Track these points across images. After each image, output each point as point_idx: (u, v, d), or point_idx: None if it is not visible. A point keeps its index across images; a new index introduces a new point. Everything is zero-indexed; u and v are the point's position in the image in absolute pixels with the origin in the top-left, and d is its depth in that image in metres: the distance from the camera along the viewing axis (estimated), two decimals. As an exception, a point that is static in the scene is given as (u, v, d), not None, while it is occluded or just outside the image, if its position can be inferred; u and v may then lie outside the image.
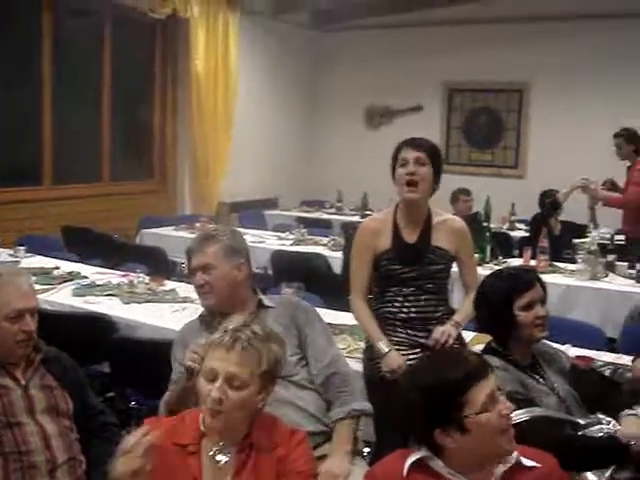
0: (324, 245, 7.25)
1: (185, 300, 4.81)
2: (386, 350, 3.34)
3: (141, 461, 1.96)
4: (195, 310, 4.43)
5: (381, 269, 3.47)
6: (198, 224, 7.92)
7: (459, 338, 3.55)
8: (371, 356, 3.48)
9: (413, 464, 2.06)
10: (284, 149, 11.12)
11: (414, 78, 10.84)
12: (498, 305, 2.93)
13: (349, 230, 6.36)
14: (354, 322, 4.22)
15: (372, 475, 2.13)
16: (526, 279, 2.98)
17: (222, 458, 2.19)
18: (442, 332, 3.35)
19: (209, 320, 3.02)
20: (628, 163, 7.19)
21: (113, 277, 5.43)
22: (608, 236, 6.88)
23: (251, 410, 2.21)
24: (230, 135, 9.77)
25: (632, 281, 5.83)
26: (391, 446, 2.24)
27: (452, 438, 2.01)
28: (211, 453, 2.20)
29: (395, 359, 3.31)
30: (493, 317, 2.98)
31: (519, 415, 2.58)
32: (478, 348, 3.22)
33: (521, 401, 2.65)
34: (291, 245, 7.36)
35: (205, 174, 9.66)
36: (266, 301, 3.09)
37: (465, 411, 2.00)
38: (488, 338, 3.05)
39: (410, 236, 3.48)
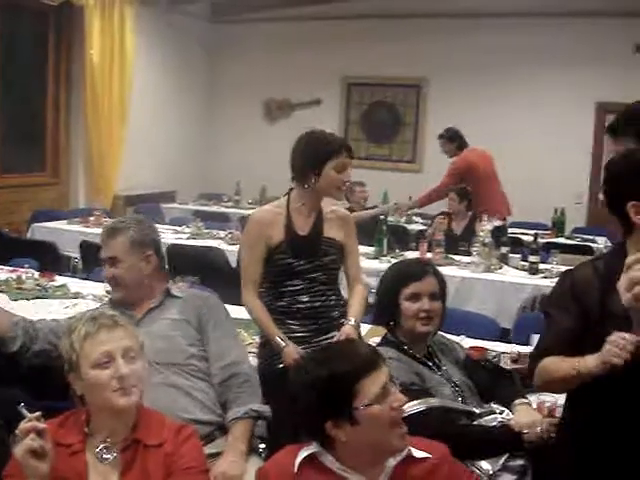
0: (221, 239, 7.18)
1: (76, 296, 4.70)
2: (283, 345, 3.30)
3: (40, 442, 1.95)
4: (86, 305, 4.34)
5: (273, 263, 3.41)
6: (92, 218, 7.74)
7: None
8: (267, 350, 3.45)
9: (304, 459, 2.04)
10: (182, 142, 10.97)
11: (313, 72, 10.84)
12: (386, 293, 2.97)
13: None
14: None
15: (264, 472, 2.10)
16: (416, 270, 3.00)
17: (108, 456, 2.14)
18: (346, 335, 3.30)
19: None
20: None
21: (1, 273, 5.24)
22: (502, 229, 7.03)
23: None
24: (126, 127, 9.58)
25: (525, 272, 5.96)
26: (285, 442, 2.21)
27: (343, 431, 2.00)
28: (97, 450, 2.15)
29: (292, 353, 3.27)
30: (381, 305, 3.02)
31: (415, 406, 2.59)
32: (374, 341, 3.22)
33: (416, 391, 2.67)
34: (187, 239, 7.26)
35: (100, 167, 9.45)
36: (175, 291, 3.07)
37: (356, 403, 1.99)
38: (383, 331, 3.05)
39: (302, 228, 3.44)
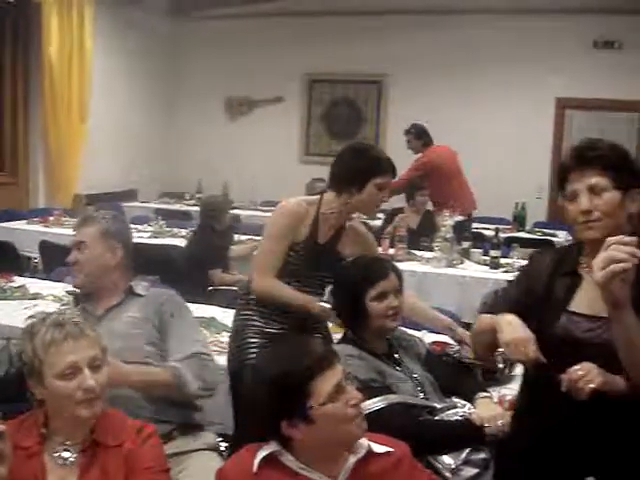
0: (183, 237, 7.14)
1: (36, 296, 4.64)
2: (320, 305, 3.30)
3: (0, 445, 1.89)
4: (46, 306, 4.28)
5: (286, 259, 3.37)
6: (52, 217, 7.66)
7: (327, 329, 3.56)
8: (236, 344, 3.42)
9: (264, 459, 2.02)
10: (143, 140, 10.89)
11: (274, 68, 10.80)
12: (351, 295, 2.94)
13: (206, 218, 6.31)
14: (211, 315, 4.18)
15: (223, 473, 2.07)
16: (379, 269, 3.00)
17: (67, 458, 2.11)
18: None
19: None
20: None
21: (-42, 274, 5.15)
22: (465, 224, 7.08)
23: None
24: (86, 125, 9.47)
25: (486, 267, 6.00)
26: (252, 440, 2.18)
27: (299, 430, 1.99)
28: (56, 454, 2.12)
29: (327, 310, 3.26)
30: (346, 306, 2.99)
31: (375, 403, 2.59)
32: (337, 337, 3.22)
33: (377, 389, 2.68)
34: (149, 237, 7.22)
35: (59, 166, 9.34)
36: (138, 289, 3.06)
37: (310, 402, 1.98)
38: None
39: (324, 236, 3.40)
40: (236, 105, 11.49)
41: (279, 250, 3.32)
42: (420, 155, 7.91)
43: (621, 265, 1.79)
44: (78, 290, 3.13)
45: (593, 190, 2.20)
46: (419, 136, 8.00)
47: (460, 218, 7.35)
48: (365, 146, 3.47)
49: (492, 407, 2.75)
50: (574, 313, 2.25)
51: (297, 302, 3.35)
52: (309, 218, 3.36)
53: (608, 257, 1.80)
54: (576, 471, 2.25)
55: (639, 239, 1.93)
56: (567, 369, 2.11)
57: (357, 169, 3.29)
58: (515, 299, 2.40)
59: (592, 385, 2.06)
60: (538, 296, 2.34)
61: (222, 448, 2.97)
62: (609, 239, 1.85)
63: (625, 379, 2.04)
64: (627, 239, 1.82)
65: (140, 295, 3.04)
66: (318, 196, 3.44)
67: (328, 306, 3.25)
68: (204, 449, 2.85)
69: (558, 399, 2.17)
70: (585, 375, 2.08)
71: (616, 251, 1.80)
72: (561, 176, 2.29)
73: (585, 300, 2.23)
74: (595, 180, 2.19)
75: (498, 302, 2.50)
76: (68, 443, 2.12)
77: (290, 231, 3.32)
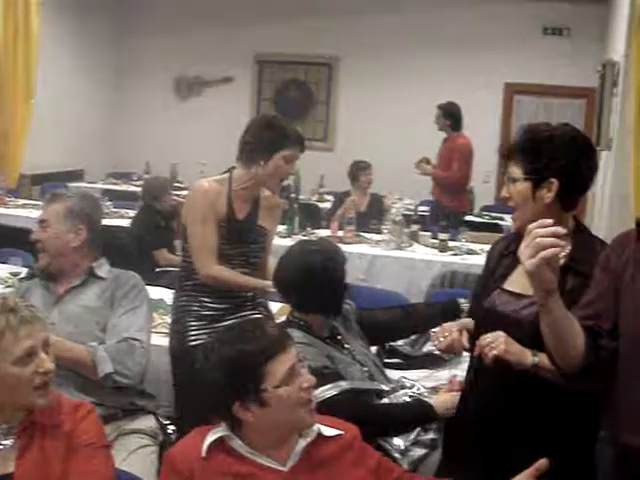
0: (130, 218, 7.03)
1: (-25, 282, 4.53)
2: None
3: None
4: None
5: None
6: (-5, 198, 7.51)
7: (267, 309, 3.55)
8: (178, 327, 3.39)
9: (213, 443, 2.01)
10: (90, 119, 10.74)
11: (225, 49, 10.71)
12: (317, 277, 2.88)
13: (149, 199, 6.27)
14: (159, 296, 4.13)
15: (170, 457, 2.05)
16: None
17: (5, 442, 2.06)
18: None
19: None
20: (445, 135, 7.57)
21: None
22: (412, 207, 7.10)
23: None
24: (31, 104, 9.24)
25: (435, 250, 6.04)
26: (196, 423, 2.17)
27: (251, 412, 1.97)
28: None
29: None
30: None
31: (327, 390, 2.60)
32: (283, 319, 3.21)
33: (329, 375, 2.68)
34: (96, 218, 7.08)
35: (4, 146, 9.11)
36: (99, 271, 3.03)
37: (264, 384, 1.97)
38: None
39: (240, 212, 3.38)
40: (186, 85, 11.36)
41: (210, 231, 3.29)
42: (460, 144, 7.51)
43: (550, 251, 1.78)
44: (38, 268, 3.07)
45: (510, 179, 2.31)
46: (447, 116, 7.52)
47: (408, 201, 7.39)
48: (273, 118, 3.43)
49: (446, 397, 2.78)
50: (506, 291, 2.36)
51: (242, 285, 3.37)
52: (223, 196, 3.33)
53: (536, 245, 1.79)
54: (507, 444, 2.32)
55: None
56: None
57: (265, 141, 3.28)
58: (481, 278, 2.60)
59: (495, 352, 2.15)
60: (490, 273, 2.48)
61: (169, 431, 2.96)
62: (529, 226, 1.84)
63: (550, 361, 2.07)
64: (547, 221, 1.81)
65: (101, 278, 3.02)
66: (227, 174, 3.41)
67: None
68: (140, 432, 2.85)
69: (489, 377, 2.29)
70: (492, 342, 2.18)
71: (542, 237, 1.79)
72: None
73: (519, 279, 2.30)
74: (511, 170, 2.31)
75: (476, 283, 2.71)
76: (4, 427, 2.07)
77: (210, 210, 3.28)
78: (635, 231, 2.02)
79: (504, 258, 2.45)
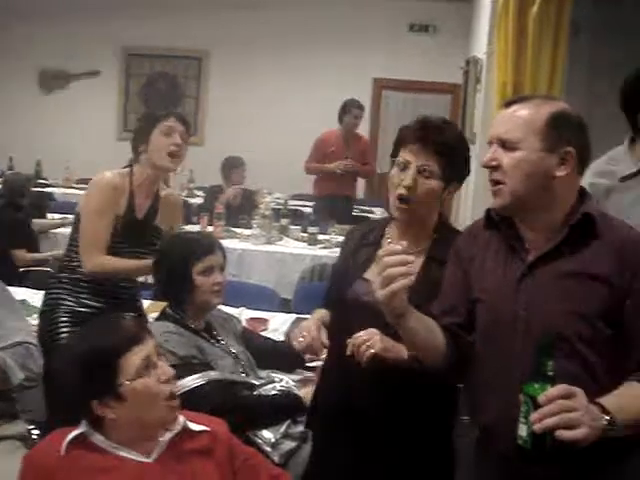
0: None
1: None
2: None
3: None
4: None
5: None
6: None
7: (140, 308, 3.53)
8: (46, 320, 3.31)
9: (73, 440, 1.97)
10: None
11: (91, 41, 10.39)
12: (177, 268, 2.90)
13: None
14: (22, 297, 4.01)
15: (28, 458, 2.01)
16: (206, 244, 2.99)
17: None
18: None
19: None
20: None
21: None
22: (282, 201, 7.13)
23: None
24: None
25: (304, 243, 6.09)
26: (63, 424, 2.10)
27: (110, 408, 1.95)
28: None
29: None
30: (171, 280, 2.94)
31: (195, 380, 2.60)
32: (154, 316, 3.17)
33: (197, 365, 2.68)
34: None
35: None
36: None
37: (119, 379, 1.95)
38: (163, 305, 3.01)
39: (140, 210, 3.34)
40: (50, 78, 11.02)
41: (103, 225, 3.23)
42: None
43: (399, 284, 1.74)
44: None
45: (420, 171, 2.24)
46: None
47: (278, 195, 7.41)
48: (144, 113, 3.57)
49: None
50: (368, 280, 2.27)
51: (133, 269, 3.32)
52: (124, 191, 3.29)
53: (385, 276, 1.74)
54: (369, 433, 2.37)
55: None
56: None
57: (140, 128, 3.36)
58: (334, 271, 2.62)
59: (372, 350, 2.13)
60: (345, 265, 2.48)
61: (34, 436, 2.87)
62: (379, 252, 1.79)
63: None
64: (397, 248, 1.77)
65: None
66: (128, 169, 3.37)
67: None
68: (10, 437, 2.72)
69: (347, 367, 2.27)
70: (367, 340, 2.15)
71: (391, 267, 1.74)
72: (400, 139, 2.31)
73: None
74: (427, 162, 2.24)
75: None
76: None
77: (110, 205, 3.24)
78: (484, 219, 2.06)
79: (363, 248, 2.44)
